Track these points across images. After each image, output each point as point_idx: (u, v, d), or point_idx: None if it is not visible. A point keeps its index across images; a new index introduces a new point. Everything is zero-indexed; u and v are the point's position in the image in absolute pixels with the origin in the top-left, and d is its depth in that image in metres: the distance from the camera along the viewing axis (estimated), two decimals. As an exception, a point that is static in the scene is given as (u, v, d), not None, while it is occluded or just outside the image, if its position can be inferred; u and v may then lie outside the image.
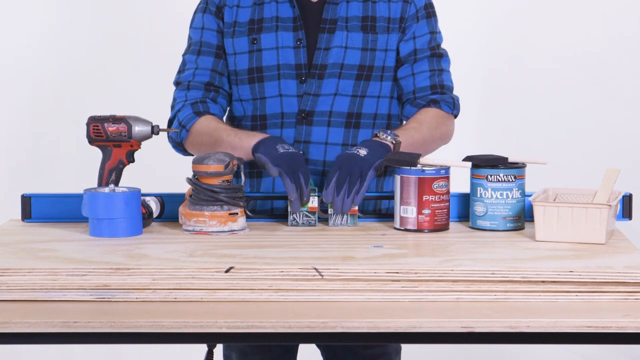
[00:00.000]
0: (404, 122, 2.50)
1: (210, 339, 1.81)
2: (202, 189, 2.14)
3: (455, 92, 2.53)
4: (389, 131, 2.27)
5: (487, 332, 1.69)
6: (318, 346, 2.62)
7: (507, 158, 2.22)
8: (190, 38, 2.52)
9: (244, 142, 2.29)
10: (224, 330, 1.69)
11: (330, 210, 2.24)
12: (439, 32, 2.51)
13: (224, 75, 2.49)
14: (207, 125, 2.40)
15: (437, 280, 1.79)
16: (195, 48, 2.49)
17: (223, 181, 2.15)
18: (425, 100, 2.46)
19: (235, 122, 2.52)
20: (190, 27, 2.52)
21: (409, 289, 1.79)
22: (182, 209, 2.18)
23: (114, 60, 4.19)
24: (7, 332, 1.70)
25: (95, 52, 4.19)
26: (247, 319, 1.70)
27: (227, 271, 1.80)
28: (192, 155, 2.45)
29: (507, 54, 4.30)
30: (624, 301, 1.77)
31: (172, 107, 2.49)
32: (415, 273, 1.79)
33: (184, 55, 2.53)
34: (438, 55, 2.49)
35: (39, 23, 4.19)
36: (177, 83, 2.51)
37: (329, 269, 1.80)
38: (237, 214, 2.15)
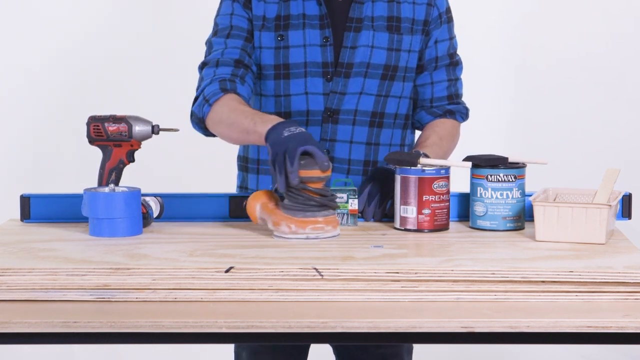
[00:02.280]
0: (421, 130, 2.53)
1: (210, 339, 1.81)
2: (313, 195, 2.07)
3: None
4: (421, 152, 2.26)
5: (487, 332, 1.69)
6: (331, 344, 2.62)
7: (507, 158, 2.22)
8: (216, 25, 2.46)
9: (258, 127, 2.15)
10: (224, 330, 1.69)
11: (330, 210, 2.24)
12: (455, 37, 2.55)
13: (251, 57, 2.43)
14: (229, 104, 2.30)
15: (437, 280, 1.79)
16: (224, 32, 2.44)
17: (324, 185, 2.10)
18: (442, 110, 2.52)
19: None
20: (218, 15, 2.47)
21: (409, 289, 1.79)
22: (281, 217, 2.08)
23: (114, 60, 4.19)
24: (7, 332, 1.70)
25: (96, 52, 4.19)
26: (247, 319, 1.70)
27: (227, 271, 1.80)
28: (213, 135, 2.39)
29: (508, 53, 4.30)
30: (624, 301, 1.77)
31: (198, 86, 2.41)
32: (415, 273, 1.79)
33: (209, 39, 2.47)
34: (455, 64, 2.55)
35: (38, 23, 4.18)
36: (203, 64, 2.43)
37: (329, 269, 1.80)
38: (337, 217, 2.14)
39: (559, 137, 4.27)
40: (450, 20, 2.53)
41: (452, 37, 2.54)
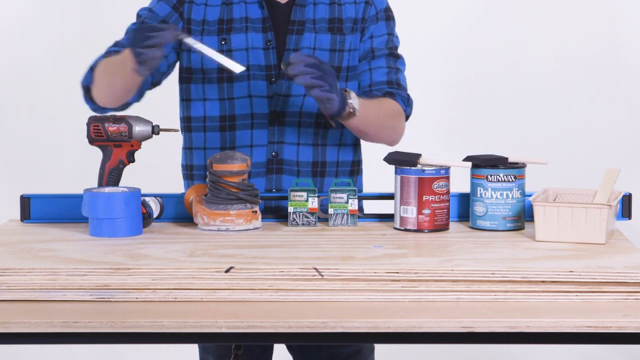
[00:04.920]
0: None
1: (210, 339, 1.81)
2: (229, 189, 2.16)
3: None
4: (357, 100, 2.24)
5: (487, 332, 1.69)
6: (289, 349, 2.61)
7: (507, 158, 2.22)
8: (138, 16, 2.46)
9: (125, 50, 2.21)
10: (224, 330, 1.69)
11: (330, 210, 2.24)
12: (397, 36, 2.53)
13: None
14: (105, 61, 2.33)
15: (437, 280, 1.79)
16: (139, 21, 2.43)
17: (242, 180, 2.18)
18: (382, 92, 2.45)
19: (191, 122, 2.48)
20: (142, 7, 2.46)
21: (409, 289, 1.79)
22: (199, 209, 2.19)
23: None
24: (7, 332, 1.70)
25: (96, 52, 4.19)
26: (247, 319, 1.70)
27: (227, 271, 1.80)
28: (99, 107, 2.37)
29: (508, 54, 4.30)
30: (624, 301, 1.77)
31: None
32: (415, 273, 1.80)
33: (127, 28, 2.45)
34: (395, 56, 2.50)
35: (39, 22, 4.18)
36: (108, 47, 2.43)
37: (329, 269, 1.80)
38: (256, 211, 2.19)
39: (559, 137, 4.27)
40: (389, 18, 2.50)
41: (390, 34, 2.50)
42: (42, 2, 4.20)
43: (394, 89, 2.46)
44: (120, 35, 2.36)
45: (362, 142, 2.54)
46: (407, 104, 2.47)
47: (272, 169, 2.44)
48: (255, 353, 2.57)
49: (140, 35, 2.13)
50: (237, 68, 2.19)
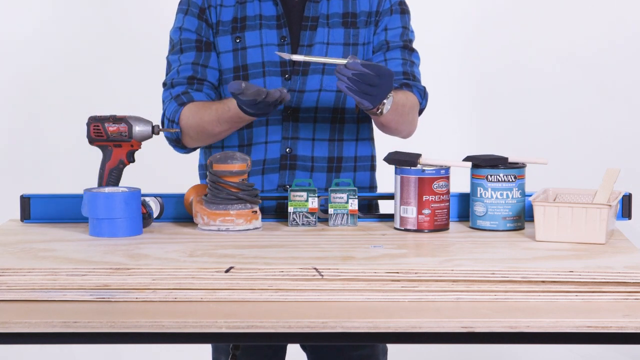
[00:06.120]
0: None
1: (210, 339, 1.81)
2: (229, 189, 2.17)
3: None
4: (390, 105, 2.22)
5: (487, 332, 1.69)
6: (303, 348, 2.61)
7: (507, 158, 2.22)
8: (172, 40, 2.51)
9: (229, 101, 2.27)
10: (224, 330, 1.69)
11: (330, 210, 2.24)
12: (412, 30, 2.52)
13: (207, 66, 2.46)
14: (192, 110, 2.37)
15: (437, 280, 1.79)
16: (177, 48, 2.48)
17: (242, 180, 2.18)
18: (398, 83, 2.44)
19: None
20: (172, 28, 2.51)
21: (409, 289, 1.79)
22: (199, 209, 2.19)
23: (114, 60, 4.19)
24: (7, 332, 1.70)
25: (96, 52, 4.19)
26: (247, 319, 1.70)
27: (227, 271, 1.80)
28: (191, 150, 2.46)
29: (508, 54, 4.30)
30: (624, 301, 1.77)
31: (162, 109, 2.49)
32: (415, 273, 1.80)
33: (167, 57, 2.52)
34: (410, 49, 2.50)
35: (39, 22, 4.19)
36: (163, 84, 2.49)
37: (329, 269, 1.80)
38: (256, 211, 2.19)
39: (559, 137, 4.27)
40: (403, 12, 2.50)
41: (405, 27, 2.49)
42: (42, 3, 4.20)
43: (410, 81, 2.45)
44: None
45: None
46: (423, 96, 2.46)
47: (286, 165, 2.44)
48: (267, 355, 2.56)
49: (254, 104, 2.16)
50: (343, 61, 2.16)
